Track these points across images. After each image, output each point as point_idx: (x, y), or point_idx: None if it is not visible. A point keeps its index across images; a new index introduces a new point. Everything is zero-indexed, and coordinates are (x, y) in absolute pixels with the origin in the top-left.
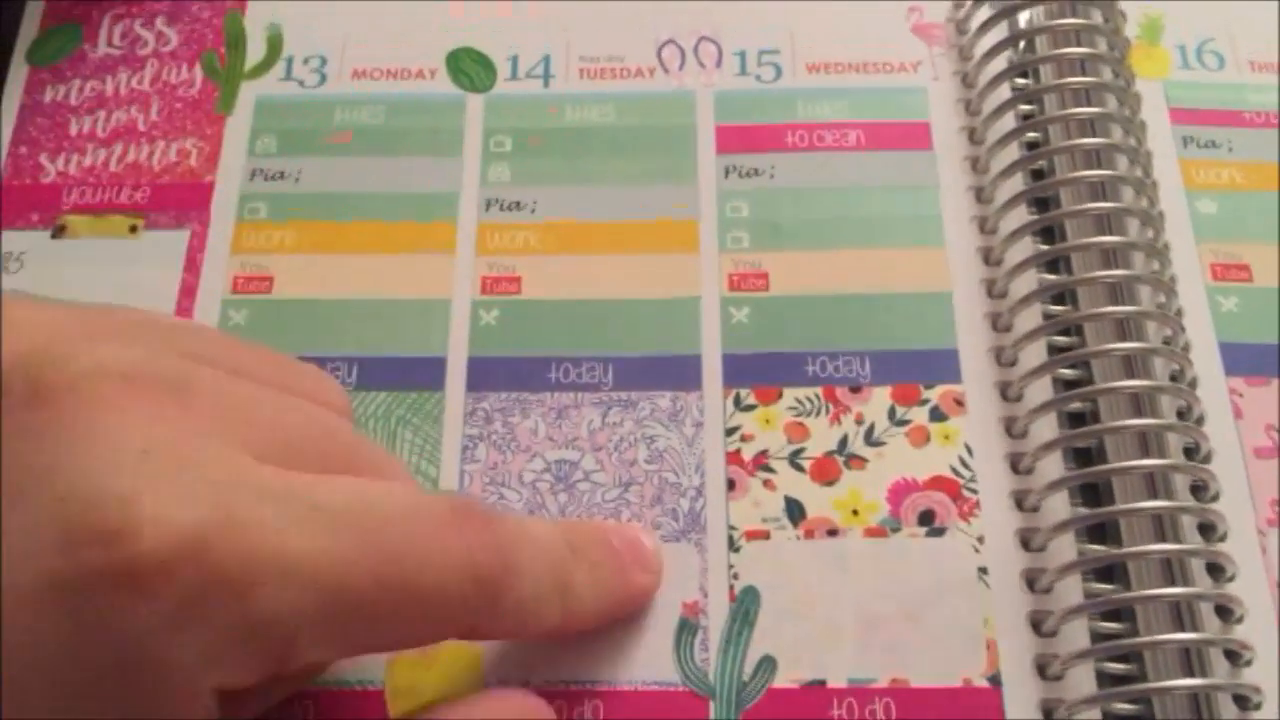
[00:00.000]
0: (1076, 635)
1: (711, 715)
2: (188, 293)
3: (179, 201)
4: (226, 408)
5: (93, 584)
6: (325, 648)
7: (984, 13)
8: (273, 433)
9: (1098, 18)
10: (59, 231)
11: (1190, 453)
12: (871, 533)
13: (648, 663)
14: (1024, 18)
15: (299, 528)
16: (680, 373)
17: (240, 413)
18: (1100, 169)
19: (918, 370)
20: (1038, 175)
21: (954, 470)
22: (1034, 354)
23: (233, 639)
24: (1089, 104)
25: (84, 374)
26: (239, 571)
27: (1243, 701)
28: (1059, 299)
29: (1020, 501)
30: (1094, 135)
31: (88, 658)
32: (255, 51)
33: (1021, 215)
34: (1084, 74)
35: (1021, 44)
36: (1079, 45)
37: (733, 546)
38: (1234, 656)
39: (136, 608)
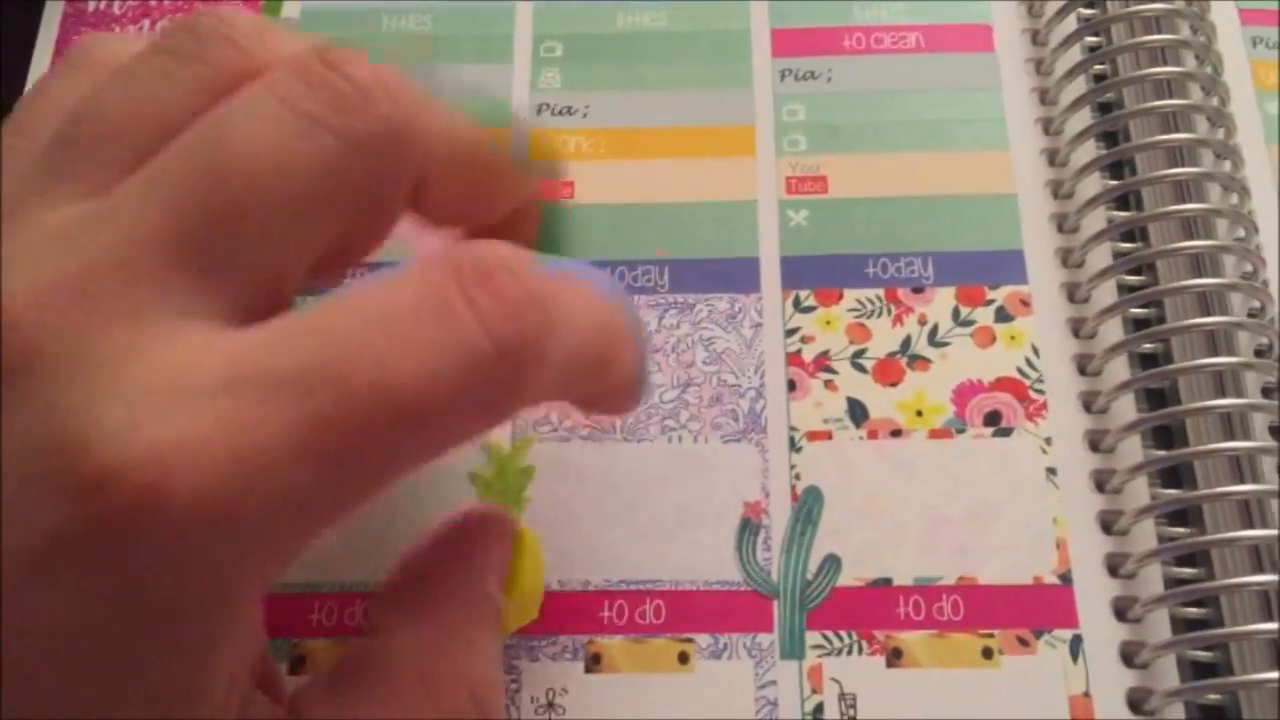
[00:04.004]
0: (1147, 536)
1: (775, 614)
2: None
3: None
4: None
5: (81, 542)
6: (351, 501)
7: None
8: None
9: None
10: None
11: (1262, 354)
12: (936, 434)
13: (710, 563)
14: None
15: (264, 409)
16: (738, 275)
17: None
18: (1167, 66)
19: (982, 271)
20: (1102, 77)
21: (1020, 371)
22: (1101, 255)
23: (242, 553)
24: (1155, 0)
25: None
26: (211, 493)
27: None
28: (1125, 201)
29: (1088, 403)
30: (1160, 33)
31: (102, 618)
32: None
33: (1086, 117)
34: None
35: None
36: None
37: (794, 447)
38: None
39: (126, 560)
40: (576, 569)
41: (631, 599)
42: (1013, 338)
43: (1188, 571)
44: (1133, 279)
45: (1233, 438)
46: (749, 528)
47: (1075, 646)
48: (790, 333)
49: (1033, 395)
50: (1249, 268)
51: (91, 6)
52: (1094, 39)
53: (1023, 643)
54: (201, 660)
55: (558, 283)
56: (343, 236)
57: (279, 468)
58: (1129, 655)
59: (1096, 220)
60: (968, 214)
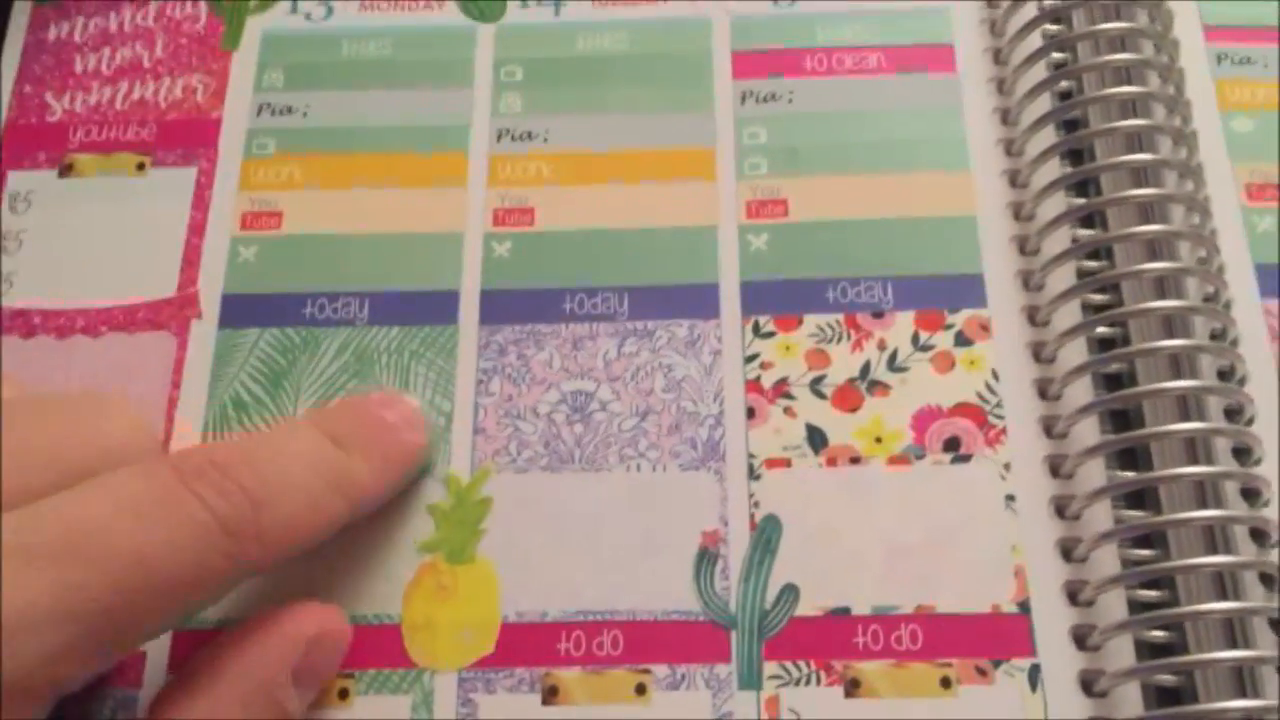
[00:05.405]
0: (1108, 562)
1: (733, 644)
2: (196, 230)
3: (186, 139)
4: None
5: None
6: (97, 663)
7: None
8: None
9: None
10: (66, 170)
11: (1224, 376)
12: (895, 461)
13: (667, 593)
14: None
15: (14, 580)
16: (697, 302)
17: None
18: (1131, 86)
19: (942, 295)
20: (1065, 96)
21: (980, 396)
22: (1062, 277)
23: (9, 701)
24: (1118, 19)
25: None
26: None
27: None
28: (1088, 221)
29: (1049, 428)
30: (1124, 52)
31: None
32: None
33: (1049, 136)
34: None
35: None
36: None
37: (753, 475)
38: (1268, 580)
39: None
40: (534, 600)
41: (589, 630)
42: (972, 363)
43: (1151, 595)
44: (1098, 298)
45: (1197, 462)
46: (707, 557)
47: (1034, 675)
48: (749, 359)
49: (992, 421)
50: (1211, 289)
51: (53, 34)
52: (1059, 55)
53: (981, 672)
54: None
55: (267, 460)
56: None
57: (37, 627)
58: (1088, 683)
59: (1057, 242)
60: (928, 237)
